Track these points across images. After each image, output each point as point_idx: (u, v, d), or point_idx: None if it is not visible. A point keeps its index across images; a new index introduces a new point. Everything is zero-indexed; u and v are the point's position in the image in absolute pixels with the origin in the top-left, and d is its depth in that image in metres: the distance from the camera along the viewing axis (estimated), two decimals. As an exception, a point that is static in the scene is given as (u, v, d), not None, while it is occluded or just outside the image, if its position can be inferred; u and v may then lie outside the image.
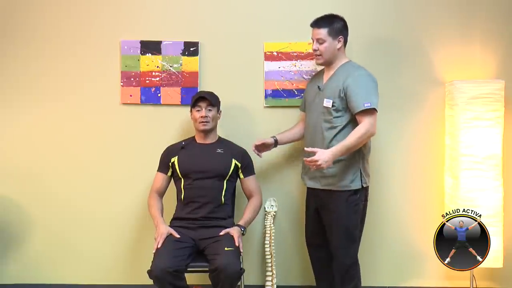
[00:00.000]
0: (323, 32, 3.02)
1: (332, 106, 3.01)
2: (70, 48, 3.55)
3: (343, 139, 2.95)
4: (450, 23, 3.52)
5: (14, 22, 3.55)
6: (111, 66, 3.56)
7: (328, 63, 3.10)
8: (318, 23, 3.04)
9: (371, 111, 2.93)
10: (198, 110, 3.23)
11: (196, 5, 3.56)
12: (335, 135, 3.03)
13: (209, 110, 3.23)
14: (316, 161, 2.85)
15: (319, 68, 3.29)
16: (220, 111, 3.32)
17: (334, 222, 3.07)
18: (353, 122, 3.00)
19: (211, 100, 3.22)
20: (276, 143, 3.30)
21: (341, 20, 3.08)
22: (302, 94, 3.42)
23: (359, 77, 2.99)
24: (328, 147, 2.98)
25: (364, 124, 2.92)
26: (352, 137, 2.91)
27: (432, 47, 3.52)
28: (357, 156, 3.03)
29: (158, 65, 3.54)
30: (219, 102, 3.30)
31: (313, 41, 3.08)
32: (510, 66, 3.50)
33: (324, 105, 3.04)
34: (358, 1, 3.54)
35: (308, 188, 3.23)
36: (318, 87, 3.11)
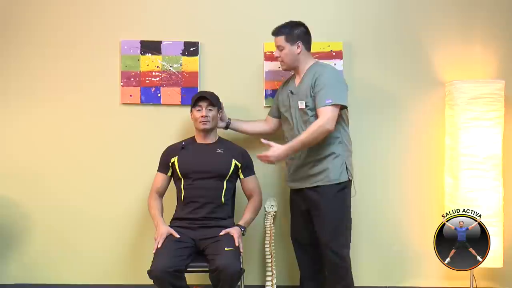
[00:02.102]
0: (281, 39, 3.12)
1: (306, 106, 3.09)
2: (70, 48, 3.55)
3: (322, 144, 3.06)
4: (451, 23, 3.52)
5: (14, 22, 3.55)
6: (111, 66, 3.56)
7: (292, 68, 3.20)
8: (276, 31, 3.14)
9: (331, 107, 2.98)
10: (199, 110, 3.23)
11: (196, 5, 3.56)
12: None
13: (210, 110, 3.23)
14: (268, 156, 2.99)
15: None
16: (221, 111, 3.32)
17: (324, 218, 3.09)
18: None
19: (212, 99, 3.22)
20: (227, 125, 3.39)
21: (300, 26, 3.14)
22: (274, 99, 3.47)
23: (325, 74, 3.06)
24: (309, 149, 3.09)
25: (318, 120, 2.99)
26: (306, 133, 3.00)
27: (432, 47, 3.52)
28: (340, 149, 3.09)
29: (158, 65, 3.54)
30: (220, 102, 3.30)
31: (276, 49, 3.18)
32: (510, 66, 3.50)
33: (299, 107, 3.12)
34: (359, 1, 3.54)
35: (293, 190, 3.26)
36: (291, 91, 3.19)
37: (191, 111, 3.28)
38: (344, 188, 3.08)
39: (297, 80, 3.20)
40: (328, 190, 3.06)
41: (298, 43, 3.11)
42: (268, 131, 3.42)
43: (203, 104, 3.22)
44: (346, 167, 3.08)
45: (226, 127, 3.40)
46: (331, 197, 3.06)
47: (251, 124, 3.44)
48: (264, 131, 3.42)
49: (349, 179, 3.10)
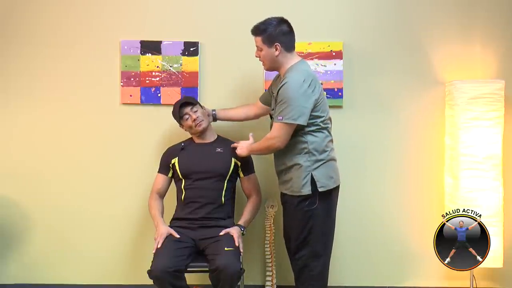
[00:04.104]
0: (258, 40, 2.97)
1: (270, 116, 3.08)
2: (70, 48, 3.55)
3: (288, 154, 2.95)
4: (450, 23, 3.52)
5: (14, 22, 3.55)
6: (111, 66, 3.56)
7: (274, 69, 3.04)
8: (254, 30, 2.99)
9: (282, 125, 2.87)
10: (187, 118, 3.22)
11: (196, 5, 3.56)
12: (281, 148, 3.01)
13: (195, 111, 3.23)
14: (236, 148, 3.13)
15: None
16: (203, 106, 3.32)
17: (288, 226, 3.07)
18: (299, 135, 2.93)
19: (191, 101, 3.24)
20: (214, 117, 3.34)
21: (281, 25, 2.95)
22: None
23: (285, 87, 2.87)
24: (278, 159, 3.04)
25: (269, 135, 2.95)
26: (258, 144, 3.03)
27: (432, 47, 3.52)
28: (305, 159, 2.92)
29: (158, 65, 3.54)
30: (197, 100, 3.32)
31: None
32: (510, 66, 3.50)
33: (270, 113, 3.10)
34: (359, 2, 3.54)
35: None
36: (273, 93, 3.08)
37: (181, 125, 3.27)
38: (306, 200, 2.92)
39: (279, 82, 3.03)
40: (290, 200, 2.99)
41: (276, 45, 2.93)
42: (252, 117, 3.34)
43: (187, 109, 3.22)
44: (312, 179, 2.91)
45: (214, 119, 3.34)
46: (292, 207, 2.99)
47: (237, 110, 3.36)
48: (249, 116, 3.35)
49: (316, 190, 2.91)
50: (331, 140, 3.02)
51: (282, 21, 2.98)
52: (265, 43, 2.95)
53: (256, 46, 3.00)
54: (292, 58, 2.99)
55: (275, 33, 2.94)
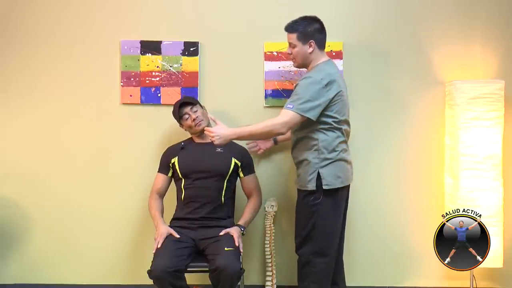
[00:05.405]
0: (293, 36, 3.01)
1: None
2: (70, 48, 3.55)
3: (300, 149, 3.00)
4: (450, 23, 3.52)
5: (14, 22, 3.55)
6: (111, 66, 3.56)
7: (303, 66, 3.09)
8: (288, 27, 3.03)
9: (290, 112, 2.88)
10: (187, 118, 3.23)
11: (196, 5, 3.56)
12: (295, 143, 3.05)
13: (195, 111, 3.24)
14: (212, 132, 2.91)
15: None
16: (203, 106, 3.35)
17: (295, 220, 3.10)
18: (311, 131, 2.97)
19: (190, 101, 3.25)
20: (276, 142, 3.43)
21: (314, 22, 3.02)
22: None
23: (301, 81, 2.95)
24: (292, 153, 3.09)
25: (274, 119, 2.91)
26: (257, 125, 2.93)
27: (432, 47, 3.52)
28: (313, 156, 2.96)
29: (158, 65, 3.54)
30: (197, 99, 3.34)
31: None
32: (510, 66, 3.50)
33: None
34: (359, 1, 3.54)
35: None
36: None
37: (181, 125, 3.28)
38: (311, 195, 2.96)
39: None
40: (299, 194, 3.06)
41: (310, 42, 3.00)
42: None
43: (186, 109, 3.23)
44: (318, 176, 2.93)
45: (276, 143, 3.45)
46: (299, 201, 3.05)
47: None
48: None
49: (321, 187, 2.94)
50: (344, 142, 3.03)
51: (316, 19, 3.05)
52: (300, 40, 3.01)
53: (289, 42, 3.05)
54: (322, 56, 3.06)
55: (311, 30, 3.01)
